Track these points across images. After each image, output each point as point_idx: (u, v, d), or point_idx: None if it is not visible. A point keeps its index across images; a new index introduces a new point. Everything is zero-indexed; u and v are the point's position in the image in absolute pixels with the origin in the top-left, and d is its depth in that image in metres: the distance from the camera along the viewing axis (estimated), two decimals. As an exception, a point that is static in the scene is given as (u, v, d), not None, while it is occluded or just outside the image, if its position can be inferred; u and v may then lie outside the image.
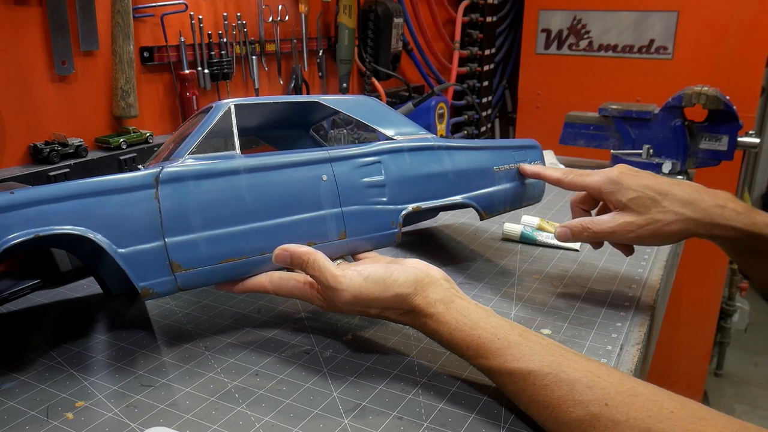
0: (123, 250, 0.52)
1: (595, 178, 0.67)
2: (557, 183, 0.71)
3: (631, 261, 0.80)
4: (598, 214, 0.70)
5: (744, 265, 0.69)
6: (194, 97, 0.99)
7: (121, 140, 0.88)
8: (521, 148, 0.77)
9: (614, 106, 1.23)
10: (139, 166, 0.64)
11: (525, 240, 0.88)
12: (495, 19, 1.87)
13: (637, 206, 0.64)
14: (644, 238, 0.64)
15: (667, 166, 1.17)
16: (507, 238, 0.90)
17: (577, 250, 0.85)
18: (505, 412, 0.50)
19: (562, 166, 1.25)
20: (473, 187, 0.72)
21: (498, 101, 2.09)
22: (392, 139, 0.67)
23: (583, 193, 0.71)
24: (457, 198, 0.70)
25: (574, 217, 0.72)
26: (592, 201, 0.71)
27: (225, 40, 1.04)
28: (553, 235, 0.72)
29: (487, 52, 1.83)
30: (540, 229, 0.90)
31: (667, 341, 1.76)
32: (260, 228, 0.58)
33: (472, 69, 1.82)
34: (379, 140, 0.67)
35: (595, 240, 0.68)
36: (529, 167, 0.75)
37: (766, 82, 1.97)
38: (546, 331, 0.63)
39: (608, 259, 0.82)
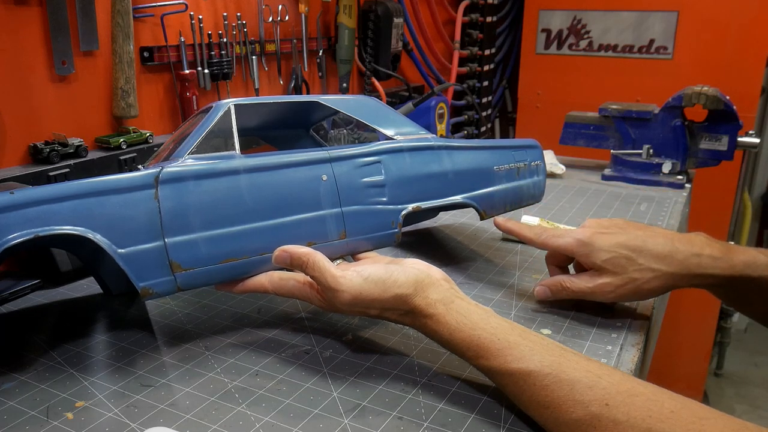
0: (123, 250, 0.52)
1: (567, 240, 0.65)
2: (530, 242, 0.69)
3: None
4: (576, 269, 0.69)
5: (734, 306, 0.68)
6: (194, 97, 0.99)
7: (121, 140, 0.88)
8: (521, 147, 0.77)
9: (614, 106, 1.23)
10: (139, 166, 0.64)
11: (525, 240, 0.88)
12: (495, 19, 1.87)
13: (612, 267, 0.62)
14: (624, 296, 0.64)
15: (667, 166, 1.17)
16: (507, 238, 0.90)
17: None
18: (505, 412, 0.50)
19: (562, 166, 1.26)
20: (473, 186, 0.72)
21: (498, 101, 2.09)
22: (392, 138, 0.67)
23: None
24: (457, 198, 0.70)
25: (550, 274, 0.70)
26: (566, 258, 0.69)
27: (225, 40, 1.04)
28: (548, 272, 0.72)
29: (487, 52, 1.83)
30: (540, 229, 0.89)
31: (667, 341, 1.76)
32: (260, 228, 0.58)
33: (472, 69, 1.82)
34: (379, 140, 0.67)
35: (575, 298, 0.67)
36: (502, 223, 0.72)
37: (766, 82, 1.97)
38: (546, 331, 0.63)
39: (608, 259, 0.82)
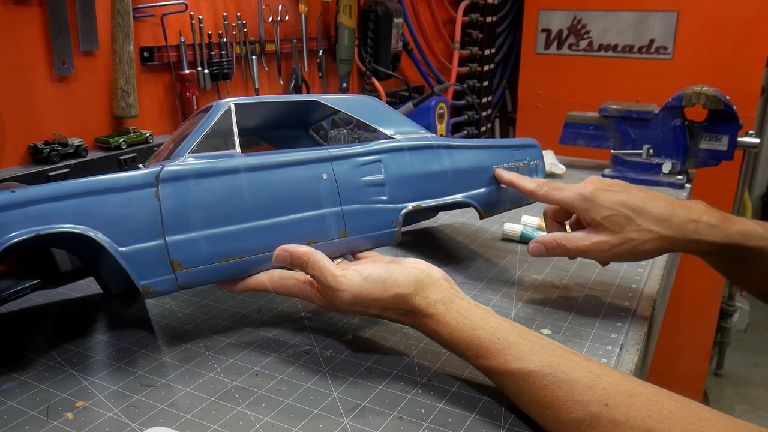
0: (124, 249, 0.52)
1: (568, 193, 0.66)
2: (531, 194, 0.70)
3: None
4: (572, 225, 0.70)
5: (727, 275, 0.69)
6: (194, 97, 0.99)
7: (121, 140, 0.88)
8: (521, 147, 0.77)
9: (614, 106, 1.23)
10: (140, 166, 0.64)
11: (525, 240, 0.88)
12: (495, 19, 1.87)
13: (611, 225, 0.63)
14: (619, 256, 0.64)
15: (667, 166, 1.17)
16: (507, 238, 0.90)
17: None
18: (505, 412, 0.50)
19: (562, 166, 1.26)
20: (473, 186, 0.72)
21: (498, 101, 2.09)
22: (392, 138, 0.67)
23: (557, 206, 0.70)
24: (457, 197, 0.70)
25: (547, 228, 0.71)
26: (566, 213, 0.69)
27: (225, 40, 1.04)
28: (545, 228, 0.72)
29: (487, 52, 1.83)
30: (540, 229, 0.90)
31: (667, 341, 1.76)
32: (260, 227, 0.58)
33: (472, 69, 1.82)
34: (379, 139, 0.67)
35: (569, 257, 0.67)
36: (504, 174, 0.73)
37: (766, 82, 1.97)
38: (546, 331, 0.63)
39: (608, 259, 0.82)
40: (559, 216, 0.70)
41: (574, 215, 0.69)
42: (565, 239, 0.66)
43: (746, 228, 0.61)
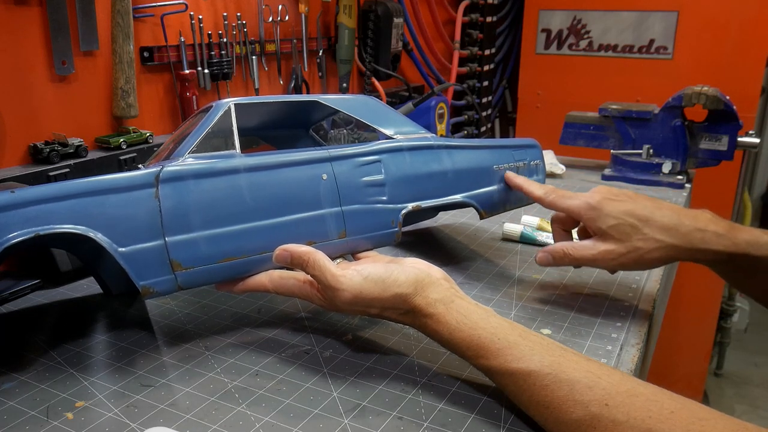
0: (123, 249, 0.52)
1: (575, 202, 0.66)
2: (538, 200, 0.70)
3: (631, 261, 0.80)
4: (579, 234, 0.70)
5: (735, 284, 0.69)
6: (194, 97, 0.99)
7: (121, 140, 0.88)
8: (521, 147, 0.77)
9: (614, 106, 1.23)
10: (140, 166, 0.64)
11: (525, 240, 0.88)
12: (495, 19, 1.87)
13: (617, 234, 0.63)
14: (626, 265, 0.64)
15: (667, 166, 1.17)
16: (507, 238, 0.90)
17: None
18: (505, 412, 0.50)
19: (562, 166, 1.26)
20: (473, 186, 0.72)
21: (498, 101, 2.09)
22: (392, 138, 0.67)
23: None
24: (457, 197, 0.70)
25: (554, 236, 0.71)
26: (573, 221, 0.70)
27: (225, 40, 1.04)
28: (552, 234, 0.72)
29: (487, 52, 1.83)
30: (540, 229, 0.89)
31: (667, 341, 1.76)
32: (260, 227, 0.58)
33: (472, 69, 1.82)
34: (379, 139, 0.67)
35: (576, 266, 0.67)
36: (513, 177, 0.73)
37: (766, 82, 1.97)
38: (546, 331, 0.63)
39: (608, 259, 0.82)
40: (567, 224, 0.70)
41: (581, 223, 0.69)
42: (572, 248, 0.66)
43: (753, 237, 0.61)
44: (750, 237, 0.61)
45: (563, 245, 0.67)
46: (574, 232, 0.71)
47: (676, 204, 0.66)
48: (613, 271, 0.69)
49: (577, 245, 0.66)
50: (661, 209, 0.64)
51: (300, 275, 0.56)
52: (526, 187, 0.72)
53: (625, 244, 0.63)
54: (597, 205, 0.64)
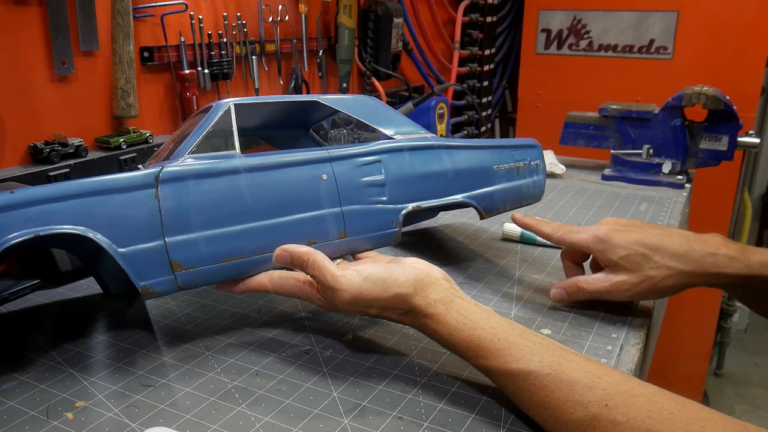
0: (123, 250, 0.52)
1: (583, 236, 0.66)
2: (548, 238, 0.70)
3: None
4: (591, 267, 0.70)
5: (752, 307, 0.67)
6: (194, 97, 0.99)
7: (121, 140, 0.88)
8: (521, 147, 0.77)
9: (614, 106, 1.23)
10: (139, 166, 0.64)
11: (525, 240, 0.88)
12: (495, 19, 1.87)
13: (629, 264, 0.63)
14: (640, 295, 0.64)
15: (667, 166, 1.17)
16: (507, 238, 0.90)
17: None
18: (505, 412, 0.50)
19: (562, 166, 1.26)
20: (473, 186, 0.72)
21: (498, 101, 2.09)
22: (392, 138, 0.67)
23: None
24: (457, 197, 0.70)
25: (566, 270, 0.71)
26: (583, 255, 0.70)
27: (225, 40, 1.04)
28: (564, 269, 0.72)
29: (487, 52, 1.83)
30: (540, 229, 0.89)
31: (667, 341, 1.76)
32: (260, 227, 0.58)
33: (472, 69, 1.82)
34: (379, 140, 0.67)
35: (591, 299, 0.67)
36: (522, 218, 0.73)
37: (766, 82, 1.97)
38: (546, 331, 0.63)
39: (608, 259, 0.82)
40: (577, 257, 0.70)
41: (591, 256, 0.69)
42: (585, 282, 0.66)
43: (766, 258, 0.61)
44: (763, 258, 0.61)
45: (576, 280, 0.67)
46: (586, 266, 0.71)
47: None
48: (629, 301, 0.68)
49: (590, 279, 0.66)
50: (671, 236, 0.63)
51: (300, 275, 0.57)
52: (534, 227, 0.72)
53: (638, 273, 0.62)
54: (605, 237, 0.64)
